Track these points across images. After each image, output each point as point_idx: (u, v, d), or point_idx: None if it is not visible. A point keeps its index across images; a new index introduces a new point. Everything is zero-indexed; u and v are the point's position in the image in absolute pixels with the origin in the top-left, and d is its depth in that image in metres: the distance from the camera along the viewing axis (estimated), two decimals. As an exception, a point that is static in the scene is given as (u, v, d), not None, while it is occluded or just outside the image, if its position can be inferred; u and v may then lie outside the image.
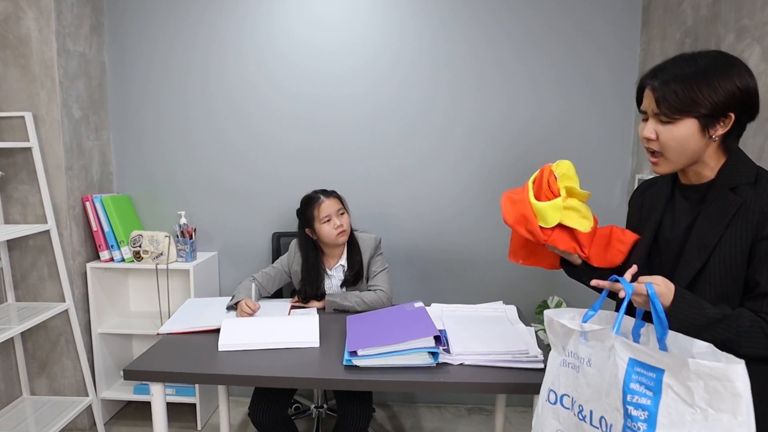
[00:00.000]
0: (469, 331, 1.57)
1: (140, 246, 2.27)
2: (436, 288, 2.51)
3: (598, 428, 0.93)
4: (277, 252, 2.35)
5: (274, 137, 2.45)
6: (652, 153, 1.08)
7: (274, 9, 2.36)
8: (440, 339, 1.42)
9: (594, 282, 1.09)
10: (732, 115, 0.99)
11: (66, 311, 2.19)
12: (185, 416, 2.46)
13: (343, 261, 2.02)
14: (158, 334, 1.67)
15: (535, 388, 1.33)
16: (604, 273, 1.22)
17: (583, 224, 1.20)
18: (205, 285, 2.41)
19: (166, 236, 2.28)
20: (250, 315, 1.74)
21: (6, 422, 2.07)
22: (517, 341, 1.48)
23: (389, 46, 2.37)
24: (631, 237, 1.23)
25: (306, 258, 1.99)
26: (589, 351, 0.96)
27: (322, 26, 2.37)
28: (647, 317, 0.99)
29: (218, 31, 2.39)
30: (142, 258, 2.28)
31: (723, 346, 0.91)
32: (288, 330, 1.59)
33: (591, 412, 0.94)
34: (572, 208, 1.20)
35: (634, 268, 1.06)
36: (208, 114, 2.45)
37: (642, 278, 1.00)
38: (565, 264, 1.35)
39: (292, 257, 2.04)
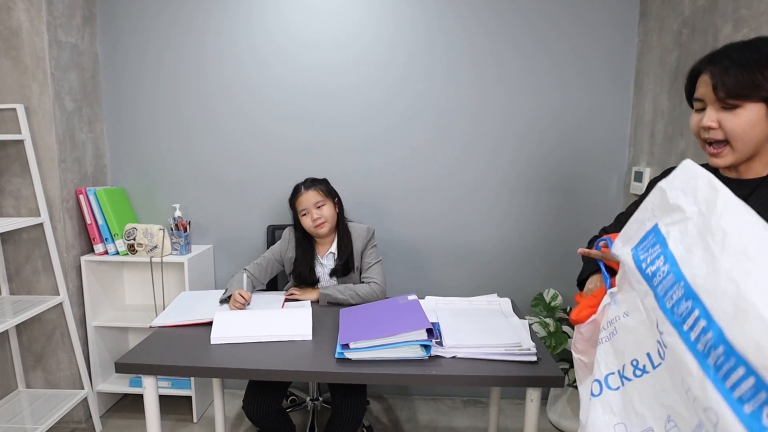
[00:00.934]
0: (462, 324, 1.56)
1: (134, 239, 2.26)
2: (430, 280, 2.51)
3: (635, 368, 0.82)
4: (272, 244, 2.33)
5: (269, 129, 2.43)
6: (711, 144, 1.02)
7: (269, 0, 2.34)
8: (432, 332, 1.41)
9: (580, 251, 1.07)
10: None
11: (60, 304, 2.19)
12: (181, 409, 2.46)
13: (334, 249, 2.02)
14: (151, 327, 1.67)
15: (528, 381, 1.33)
16: None
17: None
18: (200, 278, 2.40)
19: (160, 229, 2.27)
20: (243, 305, 1.73)
21: (1, 415, 2.08)
22: (511, 334, 1.48)
23: (385, 37, 2.35)
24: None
25: (297, 245, 2.01)
26: (617, 306, 0.88)
27: (316, 17, 2.34)
28: None
29: (213, 22, 2.36)
30: (137, 251, 2.27)
31: None
32: (281, 323, 1.59)
33: (632, 359, 0.83)
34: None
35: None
36: (202, 106, 2.43)
37: None
38: None
39: (286, 244, 2.04)
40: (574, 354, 1.05)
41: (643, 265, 0.82)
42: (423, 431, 2.33)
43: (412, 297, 1.64)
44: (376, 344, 1.39)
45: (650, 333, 0.79)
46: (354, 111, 2.40)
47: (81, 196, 2.27)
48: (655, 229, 0.83)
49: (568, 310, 2.42)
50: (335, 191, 2.06)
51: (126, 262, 2.53)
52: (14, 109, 2.07)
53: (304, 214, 1.97)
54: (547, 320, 2.21)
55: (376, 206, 2.47)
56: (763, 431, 0.55)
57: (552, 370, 1.34)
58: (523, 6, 2.29)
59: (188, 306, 1.81)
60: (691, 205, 0.77)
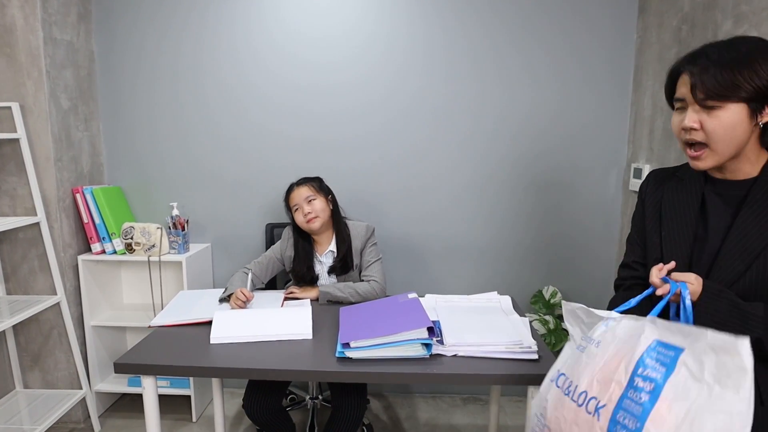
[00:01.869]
0: (463, 322, 1.55)
1: (132, 238, 2.25)
2: (430, 278, 2.50)
3: (575, 402, 0.92)
4: (270, 243, 2.33)
5: (267, 127, 2.42)
6: (692, 146, 1.01)
7: (266, -4, 2.32)
8: (434, 330, 1.41)
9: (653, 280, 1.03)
10: None
11: (58, 304, 2.17)
12: (180, 408, 2.45)
13: (333, 247, 2.01)
14: (150, 326, 1.65)
15: (529, 379, 1.33)
16: None
17: None
18: (198, 277, 2.39)
19: (158, 228, 2.25)
20: (244, 304, 1.72)
21: (-1, 416, 2.07)
22: (511, 332, 1.47)
23: (382, 33, 2.33)
24: None
25: (296, 243, 2.01)
26: (605, 334, 0.94)
27: (314, 13, 2.33)
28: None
29: (210, 18, 2.35)
30: (134, 250, 2.26)
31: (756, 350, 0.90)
32: (281, 322, 1.58)
33: (576, 386, 0.93)
34: None
35: (672, 264, 1.02)
36: (199, 103, 2.41)
37: (676, 275, 0.97)
38: None
39: (286, 243, 2.03)
40: None
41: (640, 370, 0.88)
42: (423, 429, 2.33)
43: (413, 295, 1.64)
44: (377, 343, 1.38)
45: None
46: (352, 108, 2.39)
47: (77, 195, 2.25)
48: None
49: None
50: (329, 188, 2.05)
51: (123, 262, 2.52)
52: (9, 108, 2.05)
53: (296, 210, 1.97)
54: (547, 317, 2.21)
55: (375, 204, 2.46)
56: None
57: (553, 368, 1.34)
58: (521, 2, 2.28)
59: (187, 305, 1.80)
60: None
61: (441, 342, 1.44)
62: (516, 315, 1.64)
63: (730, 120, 0.94)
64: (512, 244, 2.46)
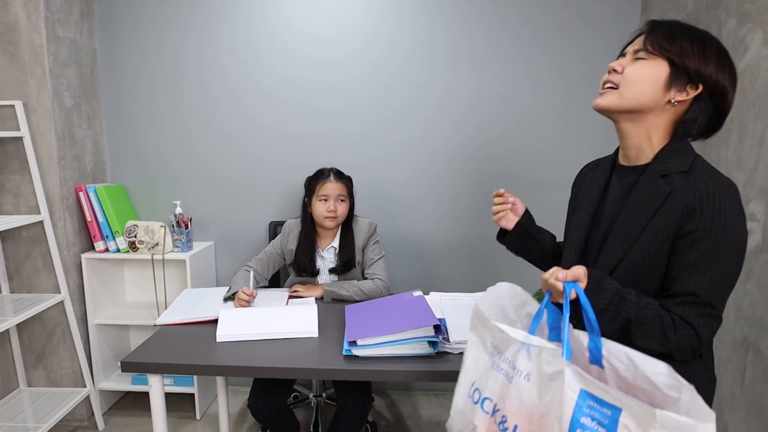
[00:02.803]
0: (467, 320, 1.56)
1: (135, 236, 2.25)
2: (433, 276, 2.51)
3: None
4: (274, 241, 2.33)
5: (269, 124, 2.42)
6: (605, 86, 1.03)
7: (269, -6, 2.32)
8: (440, 328, 1.41)
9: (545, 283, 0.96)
10: (701, 87, 0.93)
11: (62, 302, 2.17)
12: (184, 406, 2.46)
13: (335, 244, 2.02)
14: (155, 325, 1.66)
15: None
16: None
17: None
18: (202, 275, 2.39)
19: (161, 226, 2.25)
20: (248, 302, 1.73)
21: (3, 414, 2.07)
22: (517, 330, 1.48)
23: (384, 31, 2.33)
24: None
25: (302, 233, 2.01)
26: (531, 366, 0.85)
27: (317, 11, 2.33)
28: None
29: (213, 15, 2.34)
30: (138, 248, 2.26)
31: (621, 332, 0.90)
32: (286, 320, 1.58)
33: (516, 426, 0.85)
34: None
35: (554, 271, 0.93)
36: (202, 101, 2.41)
37: (559, 274, 0.90)
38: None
39: (286, 237, 2.04)
40: None
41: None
42: (426, 426, 2.34)
43: (418, 293, 1.64)
44: (383, 341, 1.38)
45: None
46: (355, 105, 2.39)
47: (81, 194, 2.25)
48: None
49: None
50: (353, 194, 2.05)
51: (127, 260, 2.52)
52: (12, 106, 2.05)
53: (323, 200, 1.95)
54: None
55: (378, 201, 2.46)
56: None
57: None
58: (523, 0, 2.28)
59: (192, 304, 1.80)
60: None
61: (447, 340, 1.44)
62: (521, 313, 1.64)
63: (646, 72, 0.95)
64: (515, 242, 2.46)
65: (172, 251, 2.30)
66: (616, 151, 1.13)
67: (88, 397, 2.27)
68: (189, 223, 2.33)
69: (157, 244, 2.25)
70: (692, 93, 0.94)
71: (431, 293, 1.82)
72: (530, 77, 2.33)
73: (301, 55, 2.36)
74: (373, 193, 2.45)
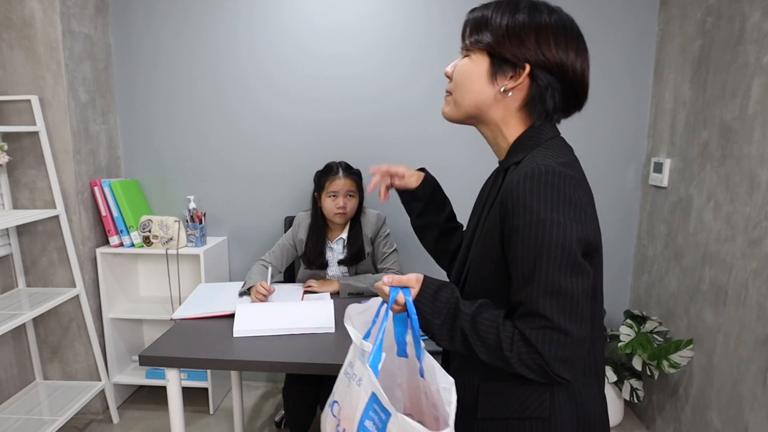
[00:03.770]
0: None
1: (150, 231, 2.25)
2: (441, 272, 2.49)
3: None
4: (287, 237, 2.33)
5: (284, 118, 2.41)
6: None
7: (282, -12, 2.31)
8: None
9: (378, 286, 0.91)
10: (527, 67, 0.82)
11: (77, 297, 2.18)
12: (197, 400, 2.47)
13: (344, 236, 2.04)
14: (171, 319, 1.66)
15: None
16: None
17: None
18: (215, 270, 2.39)
19: (176, 221, 2.26)
20: (265, 297, 1.73)
21: (20, 406, 2.08)
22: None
23: (399, 24, 2.31)
24: None
25: (312, 225, 2.03)
26: (363, 370, 0.83)
27: (331, 4, 2.31)
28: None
29: (227, 10, 2.33)
30: (152, 243, 2.27)
31: (465, 346, 0.82)
32: (303, 315, 1.58)
33: (344, 431, 0.86)
34: None
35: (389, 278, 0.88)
36: (216, 96, 2.41)
37: (394, 279, 0.86)
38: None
39: (297, 228, 2.06)
40: None
41: None
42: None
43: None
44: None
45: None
46: (369, 99, 2.38)
47: (96, 188, 2.26)
48: None
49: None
50: (363, 188, 2.05)
51: (141, 254, 2.53)
52: (28, 101, 2.05)
53: (332, 196, 1.95)
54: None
55: (391, 194, 2.44)
56: None
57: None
58: (541, -6, 2.25)
59: (207, 298, 1.80)
60: None
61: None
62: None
63: (468, 70, 0.88)
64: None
65: (186, 246, 2.31)
66: None
67: (102, 391, 2.29)
68: (203, 218, 2.33)
69: (171, 239, 2.25)
70: (522, 75, 0.83)
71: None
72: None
73: (316, 49, 2.35)
74: (387, 188, 2.43)
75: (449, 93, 0.92)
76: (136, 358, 2.49)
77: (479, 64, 0.87)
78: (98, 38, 2.29)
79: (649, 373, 2.02)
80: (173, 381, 1.44)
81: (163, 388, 2.56)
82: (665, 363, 1.94)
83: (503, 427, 0.85)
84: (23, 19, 2.03)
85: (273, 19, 2.33)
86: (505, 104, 0.87)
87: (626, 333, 2.06)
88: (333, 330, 1.53)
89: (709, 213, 1.87)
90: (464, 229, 1.14)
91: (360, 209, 2.05)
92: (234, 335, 1.51)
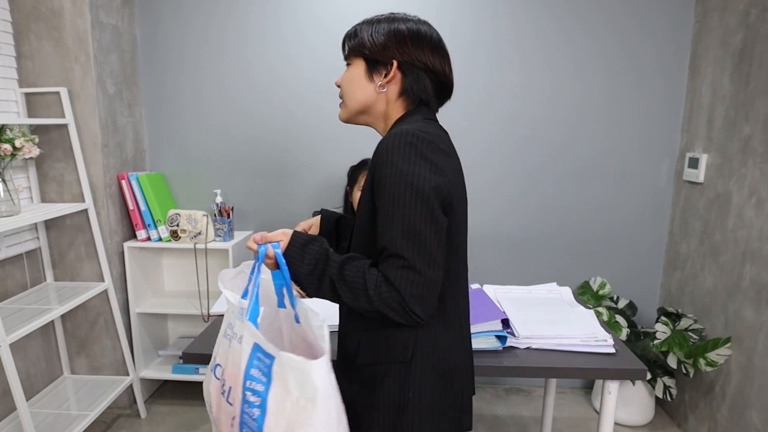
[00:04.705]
0: (530, 314, 1.53)
1: (178, 225, 2.23)
2: (473, 268, 2.47)
3: (231, 405, 0.89)
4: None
5: (312, 112, 2.38)
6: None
7: (311, -21, 2.27)
8: (507, 322, 1.38)
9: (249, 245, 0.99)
10: (395, 63, 0.98)
11: (105, 291, 2.17)
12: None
13: None
14: (210, 315, 1.64)
15: (609, 374, 1.30)
16: None
17: None
18: (242, 265, 2.37)
19: (204, 215, 2.23)
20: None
21: (49, 401, 2.07)
22: (582, 324, 1.44)
23: (429, 19, 2.27)
24: None
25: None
26: (242, 327, 0.90)
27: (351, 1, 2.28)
28: None
29: (255, 0, 2.30)
30: (180, 237, 2.25)
31: (333, 293, 0.89)
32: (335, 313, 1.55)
33: (230, 389, 0.89)
34: None
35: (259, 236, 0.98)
36: (243, 89, 2.38)
37: (266, 235, 0.96)
38: None
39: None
40: None
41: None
42: (497, 422, 2.31)
43: (476, 286, 1.61)
44: (449, 335, 1.35)
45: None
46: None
47: (123, 182, 2.24)
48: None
49: (616, 298, 2.39)
50: None
51: (166, 249, 2.51)
52: (57, 93, 2.03)
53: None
54: (600, 309, 2.17)
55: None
56: None
57: (632, 362, 1.31)
58: (575, -15, 2.22)
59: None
60: None
61: (512, 334, 1.41)
62: (581, 307, 1.61)
63: (350, 76, 1.03)
64: (557, 233, 2.42)
65: (214, 240, 2.29)
66: None
67: (130, 386, 2.28)
68: (231, 213, 2.31)
69: (199, 233, 2.23)
70: (392, 70, 0.99)
71: (485, 286, 1.79)
72: (576, 65, 2.27)
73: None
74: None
75: (342, 99, 1.06)
76: (163, 352, 2.47)
77: (358, 67, 1.02)
78: (125, 29, 2.26)
79: (684, 371, 2.00)
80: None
81: (189, 383, 2.56)
82: (702, 361, 1.92)
83: (373, 371, 0.96)
84: (52, 10, 2.00)
85: (301, 8, 2.29)
86: (386, 97, 1.02)
87: (662, 330, 2.04)
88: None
89: (750, 209, 1.84)
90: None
91: None
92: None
